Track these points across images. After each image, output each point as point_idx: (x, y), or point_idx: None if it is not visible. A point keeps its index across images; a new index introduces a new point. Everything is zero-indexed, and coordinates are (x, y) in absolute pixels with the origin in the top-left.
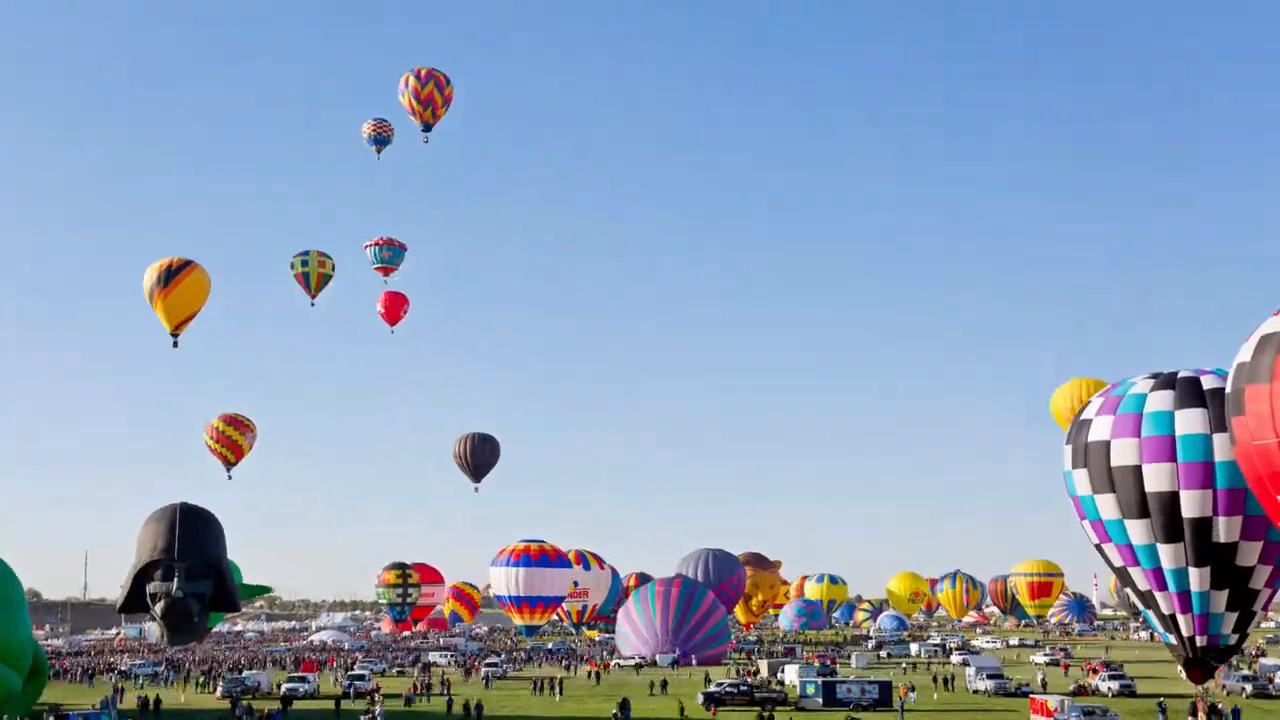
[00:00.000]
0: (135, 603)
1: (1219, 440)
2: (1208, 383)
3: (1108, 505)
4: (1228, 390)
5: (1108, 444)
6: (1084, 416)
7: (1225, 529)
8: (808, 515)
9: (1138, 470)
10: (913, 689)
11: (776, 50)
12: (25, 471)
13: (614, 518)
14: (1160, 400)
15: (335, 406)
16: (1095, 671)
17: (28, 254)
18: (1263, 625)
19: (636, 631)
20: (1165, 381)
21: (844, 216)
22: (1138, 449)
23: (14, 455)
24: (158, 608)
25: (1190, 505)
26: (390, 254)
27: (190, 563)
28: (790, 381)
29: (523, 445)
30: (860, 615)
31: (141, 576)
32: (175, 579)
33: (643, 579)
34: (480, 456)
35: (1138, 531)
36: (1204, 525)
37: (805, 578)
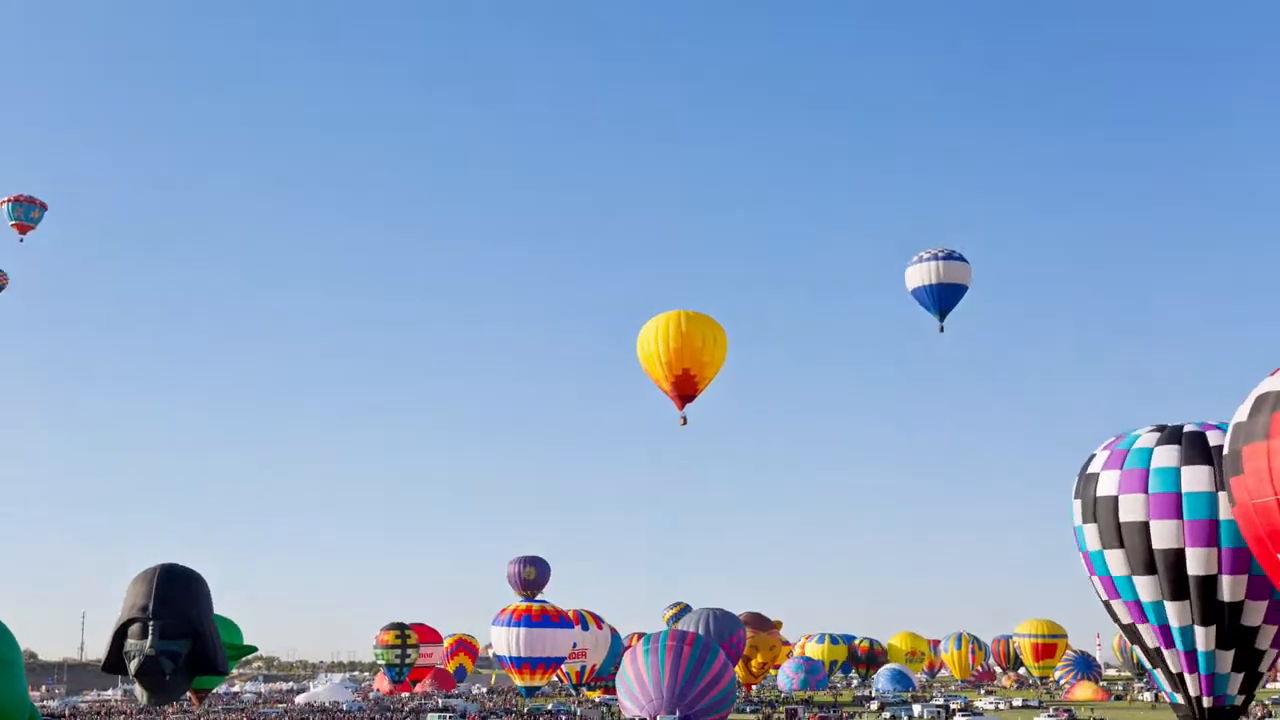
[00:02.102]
0: (116, 662)
1: (1224, 498)
2: (1213, 439)
3: (1117, 561)
4: (1225, 451)
5: (1116, 499)
6: (1090, 470)
7: (1230, 588)
8: (806, 574)
9: (1145, 526)
10: None
11: None
12: (23, 530)
13: (609, 575)
14: (1166, 456)
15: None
16: None
17: None
18: (1269, 685)
19: (641, 687)
20: (1171, 436)
21: (833, 280)
22: (1145, 505)
23: (11, 514)
24: (132, 665)
25: (1196, 563)
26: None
27: (165, 621)
28: (791, 438)
29: (516, 498)
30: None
31: (121, 634)
32: (149, 636)
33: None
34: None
35: (1146, 588)
36: (1209, 583)
37: (808, 637)
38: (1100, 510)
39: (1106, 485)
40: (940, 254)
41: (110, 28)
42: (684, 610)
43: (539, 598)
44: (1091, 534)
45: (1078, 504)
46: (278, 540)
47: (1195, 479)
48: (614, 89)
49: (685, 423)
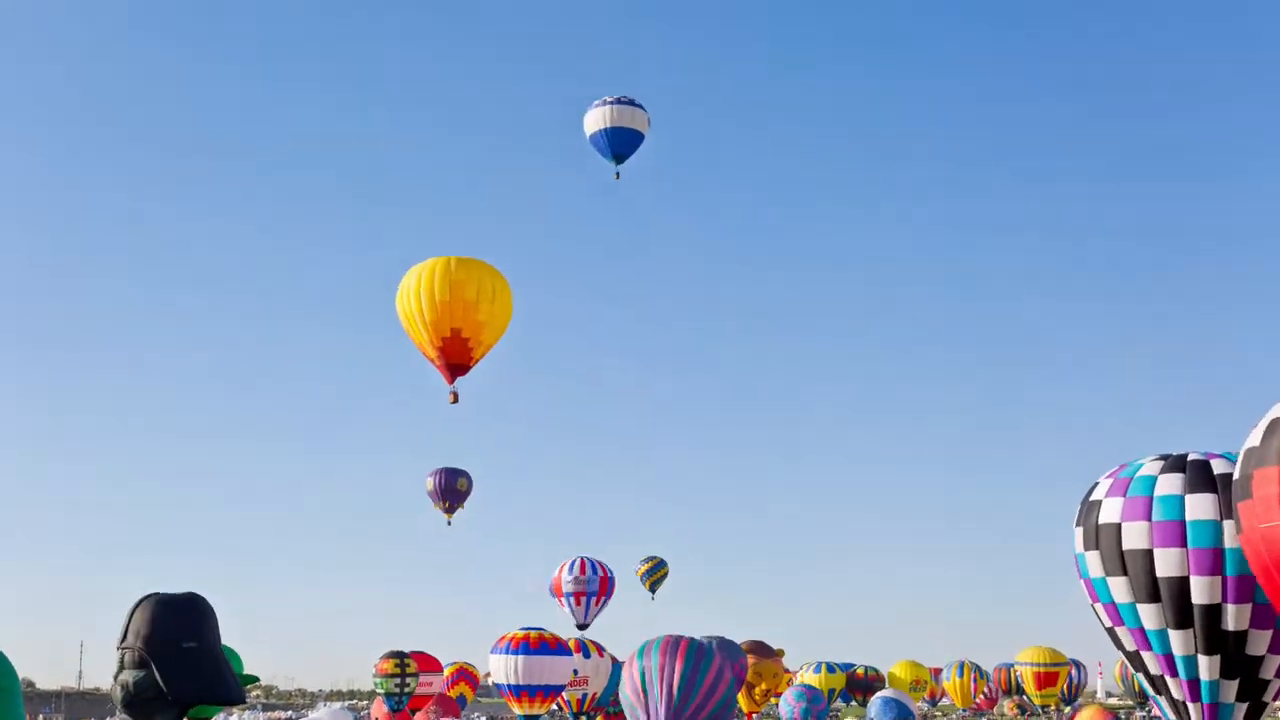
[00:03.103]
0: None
1: (1229, 526)
2: (1218, 467)
3: (1120, 588)
4: (1235, 476)
5: (1119, 526)
6: (1093, 498)
7: (1235, 616)
8: (808, 601)
9: (1149, 554)
10: None
11: None
12: (20, 557)
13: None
14: (1170, 484)
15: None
16: None
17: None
18: (1274, 716)
19: (640, 701)
20: (1175, 464)
21: (843, 322)
22: (1148, 533)
23: (8, 540)
24: (116, 696)
25: (1200, 592)
26: None
27: (125, 650)
28: (791, 466)
29: (518, 524)
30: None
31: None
32: (122, 666)
33: None
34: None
35: (1149, 616)
36: (1213, 612)
37: (806, 665)
38: (1103, 537)
39: (1109, 513)
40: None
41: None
42: (660, 564)
43: (459, 510)
44: (1094, 561)
45: (1079, 531)
46: (277, 567)
47: (1199, 507)
48: None
49: (455, 400)
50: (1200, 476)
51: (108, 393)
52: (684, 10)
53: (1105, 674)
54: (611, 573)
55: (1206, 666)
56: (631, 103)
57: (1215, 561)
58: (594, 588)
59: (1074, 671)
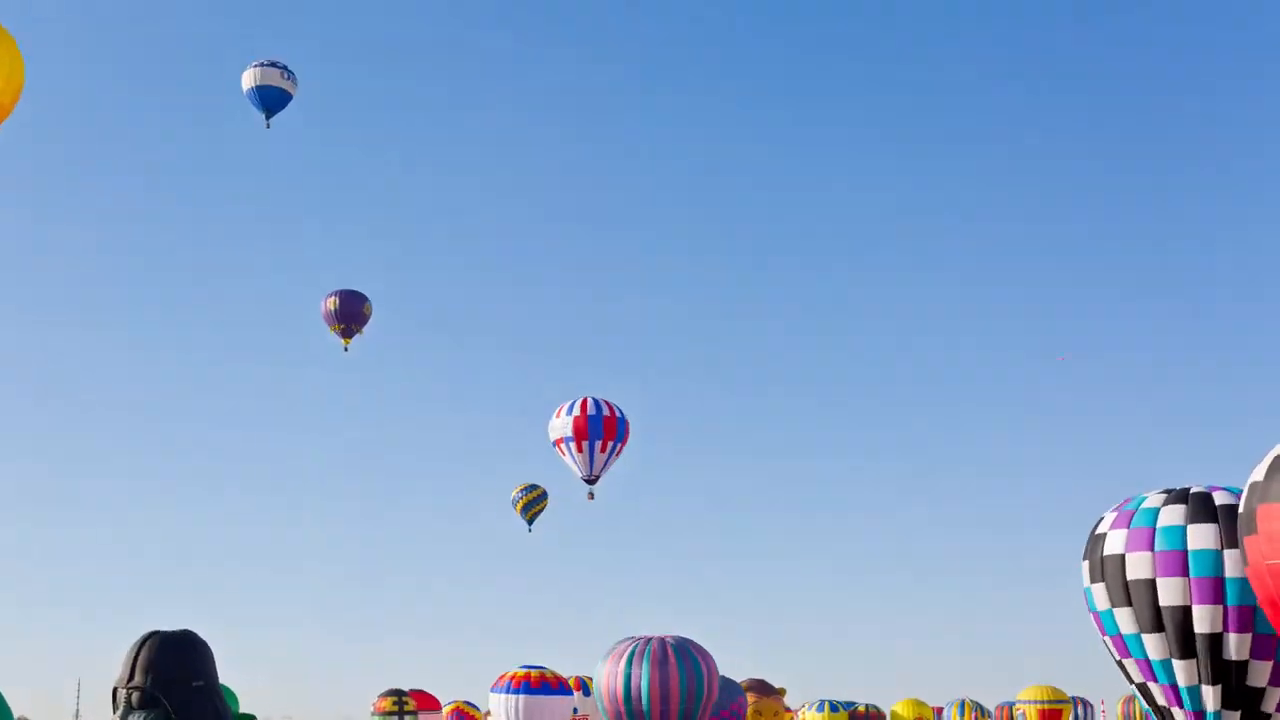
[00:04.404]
0: None
1: (1230, 556)
2: (1219, 499)
3: (1126, 619)
4: (1240, 510)
5: (1123, 557)
6: (1099, 531)
7: (1236, 646)
8: (808, 639)
9: (1152, 584)
10: None
11: None
12: (16, 596)
13: (607, 636)
14: (1172, 515)
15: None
16: None
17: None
18: None
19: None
20: (1177, 497)
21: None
22: (1151, 562)
23: (4, 578)
24: None
25: (1202, 621)
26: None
27: (133, 689)
28: (792, 503)
29: (508, 560)
30: None
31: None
32: (118, 707)
33: None
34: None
35: (1154, 646)
36: (1216, 641)
37: (806, 704)
38: (1108, 569)
39: (1113, 544)
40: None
41: None
42: (541, 495)
43: (357, 335)
44: (1100, 594)
45: (1086, 565)
46: (273, 603)
47: (1201, 537)
48: None
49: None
50: (1202, 507)
51: (104, 433)
52: None
53: (1108, 713)
54: (622, 414)
55: (1210, 696)
56: (278, 65)
57: (1216, 590)
58: (598, 428)
59: (1078, 709)
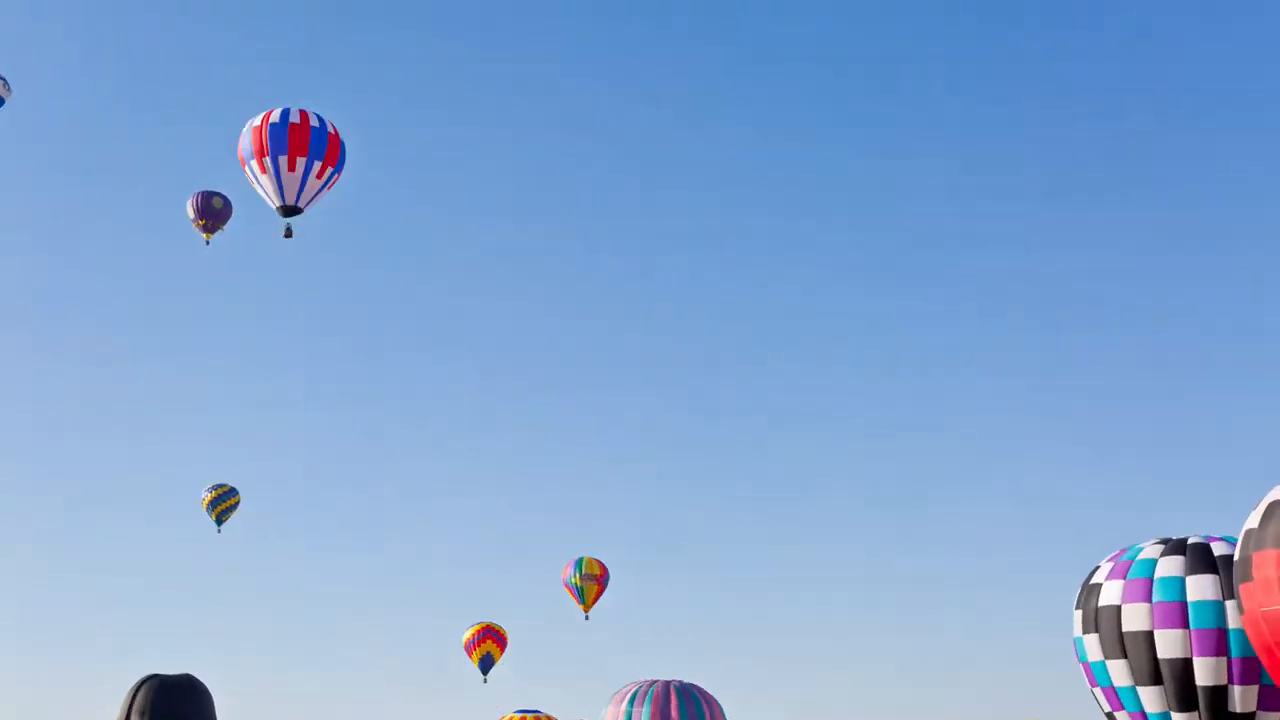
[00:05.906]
0: None
1: (1231, 607)
2: (1218, 549)
3: (1119, 671)
4: (1235, 558)
5: (1119, 609)
6: (1093, 581)
7: (1241, 698)
8: (795, 683)
9: (1149, 636)
10: None
11: None
12: (15, 636)
13: (605, 663)
14: (1171, 566)
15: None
16: None
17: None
18: None
19: None
20: (1175, 547)
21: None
22: (1149, 614)
23: (3, 620)
24: None
25: (1204, 673)
26: None
27: None
28: (783, 540)
29: (510, 610)
30: None
31: None
32: None
33: None
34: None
35: (1151, 699)
36: (1219, 694)
37: None
38: (1102, 620)
39: (1109, 595)
40: None
41: None
42: (229, 491)
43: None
44: (1093, 645)
45: (1079, 615)
46: (271, 650)
47: (1201, 588)
48: None
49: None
50: (1201, 558)
51: (111, 476)
52: None
53: None
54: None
55: None
56: None
57: (1219, 642)
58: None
59: None
